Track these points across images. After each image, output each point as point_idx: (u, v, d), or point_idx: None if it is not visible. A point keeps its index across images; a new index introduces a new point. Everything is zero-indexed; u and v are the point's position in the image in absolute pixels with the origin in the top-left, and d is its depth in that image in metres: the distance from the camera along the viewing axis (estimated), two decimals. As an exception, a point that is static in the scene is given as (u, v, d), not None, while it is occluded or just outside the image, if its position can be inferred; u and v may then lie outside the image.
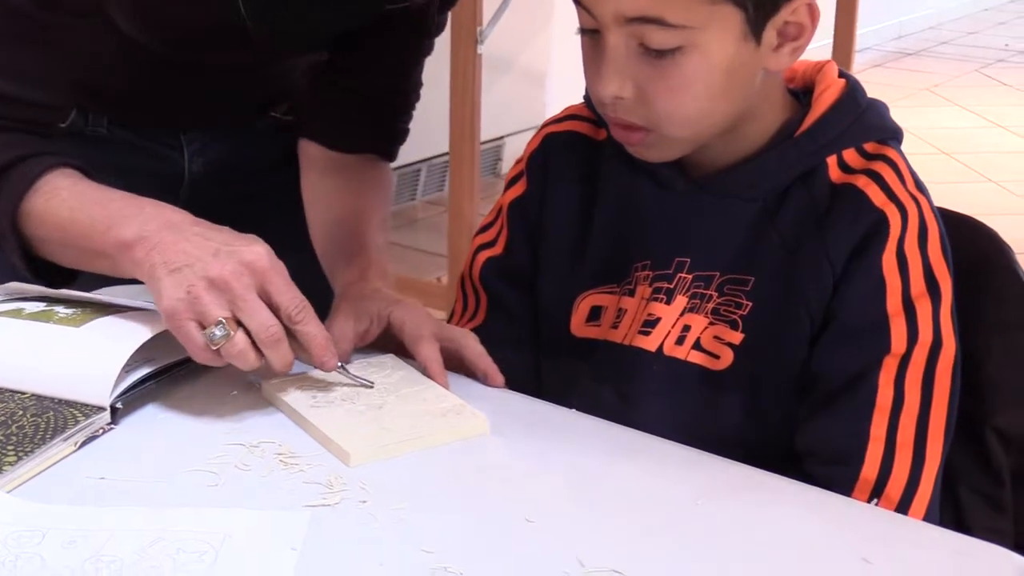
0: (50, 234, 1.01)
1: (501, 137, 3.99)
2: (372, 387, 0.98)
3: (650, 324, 1.04)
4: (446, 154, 3.02)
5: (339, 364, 0.97)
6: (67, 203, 1.00)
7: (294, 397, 0.96)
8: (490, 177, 3.98)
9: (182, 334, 0.92)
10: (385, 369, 1.03)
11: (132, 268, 0.94)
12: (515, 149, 4.04)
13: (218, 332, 0.91)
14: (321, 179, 1.25)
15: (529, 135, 1.17)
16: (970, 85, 5.54)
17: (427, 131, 1.30)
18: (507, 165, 4.08)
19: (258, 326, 0.91)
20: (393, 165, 1.32)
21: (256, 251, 0.92)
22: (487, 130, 2.89)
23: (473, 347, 1.04)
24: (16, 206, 1.01)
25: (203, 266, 0.91)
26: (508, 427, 0.96)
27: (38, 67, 1.06)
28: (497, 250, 1.17)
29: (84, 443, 0.90)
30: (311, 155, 1.26)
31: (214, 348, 0.91)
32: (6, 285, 1.10)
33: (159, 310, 0.93)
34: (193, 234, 0.93)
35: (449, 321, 1.19)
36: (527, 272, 1.14)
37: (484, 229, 1.19)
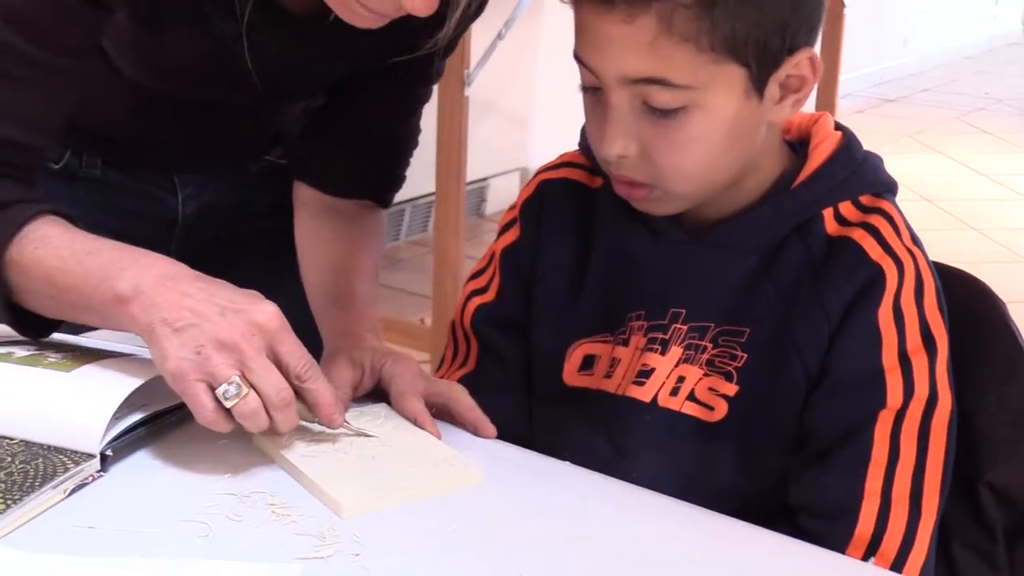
0: (35, 285, 0.97)
1: (485, 178, 4.01)
2: (375, 438, 0.98)
3: (644, 374, 1.04)
4: (431, 194, 3.03)
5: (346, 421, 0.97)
6: (57, 252, 0.96)
7: (286, 447, 0.96)
8: (474, 218, 3.99)
9: (190, 396, 0.89)
10: (378, 419, 1.02)
11: (128, 323, 0.92)
12: (499, 190, 4.06)
13: (232, 390, 0.89)
14: (314, 222, 1.25)
15: (513, 177, 1.18)
16: (951, 132, 5.60)
17: (411, 171, 1.30)
18: (491, 206, 4.09)
19: (271, 389, 0.90)
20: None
21: (266, 311, 0.91)
22: (471, 171, 2.90)
23: (462, 399, 1.04)
24: (1, 254, 0.97)
25: (212, 327, 0.89)
26: (501, 477, 0.95)
27: (29, 107, 1.03)
28: (489, 296, 1.16)
29: (73, 491, 0.89)
30: (305, 197, 1.26)
31: (227, 407, 0.89)
32: None
33: (162, 370, 0.90)
34: (197, 290, 0.92)
35: (440, 367, 1.19)
36: (519, 319, 1.14)
37: (476, 275, 1.19)
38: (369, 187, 1.26)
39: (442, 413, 1.04)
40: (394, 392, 1.04)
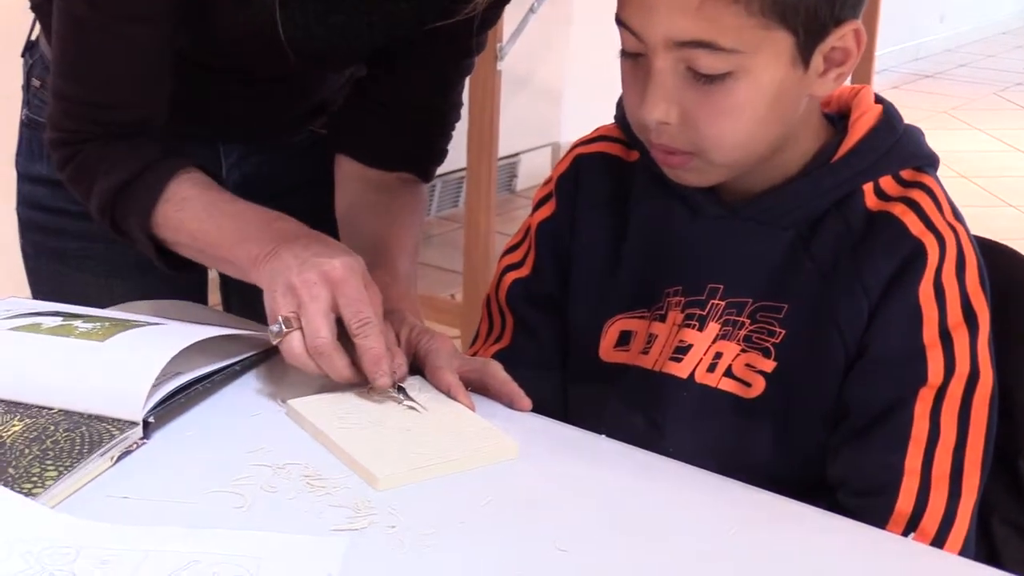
0: (180, 239, 1.09)
1: (516, 154, 4.00)
2: (414, 411, 0.99)
3: (681, 350, 1.04)
4: (461, 170, 3.02)
5: (396, 384, 1.00)
6: (197, 215, 1.08)
7: (320, 417, 0.96)
8: (505, 193, 3.99)
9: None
10: (412, 391, 1.03)
11: (257, 278, 1.02)
12: (530, 165, 4.05)
13: (274, 328, 0.98)
14: (355, 196, 1.25)
15: (544, 152, 1.18)
16: (988, 108, 5.55)
17: (444, 146, 1.29)
18: (522, 182, 4.08)
19: (309, 334, 0.97)
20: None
21: (334, 263, 0.98)
22: (503, 146, 2.90)
23: (497, 374, 1.04)
24: (148, 217, 1.09)
25: (287, 274, 0.98)
26: (537, 452, 0.96)
27: (119, 72, 1.09)
28: (524, 272, 1.16)
29: (119, 458, 0.90)
30: (346, 171, 1.26)
31: (275, 341, 0.98)
32: (5, 300, 1.11)
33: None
34: (301, 247, 1.00)
35: (473, 342, 1.19)
36: (555, 294, 1.14)
37: (511, 250, 1.19)
38: (410, 160, 1.26)
39: (477, 388, 1.04)
40: (429, 366, 1.04)
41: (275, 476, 0.89)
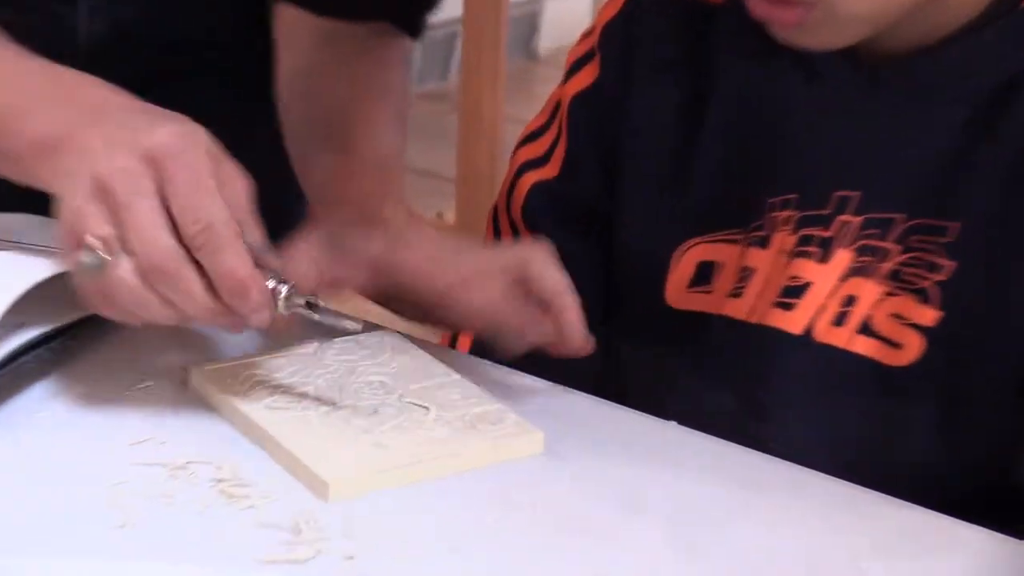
0: None
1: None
2: (359, 330, 0.98)
3: (794, 292, 1.05)
4: (455, 21, 3.01)
5: (293, 299, 0.94)
6: None
7: (241, 395, 0.97)
8: (520, 58, 3.97)
9: (70, 272, 0.93)
10: (382, 352, 1.03)
11: (43, 177, 0.96)
12: (558, 16, 4.04)
13: (85, 259, 0.90)
14: (305, 60, 1.26)
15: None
16: None
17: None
18: (546, 40, 4.07)
19: (142, 251, 0.90)
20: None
21: (162, 130, 0.92)
22: (516, -12, 2.90)
23: (547, 272, 1.02)
24: None
25: (91, 164, 0.91)
26: (570, 444, 0.96)
27: None
28: (551, 171, 1.17)
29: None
30: (291, 25, 1.26)
31: (85, 284, 0.91)
32: None
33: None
34: (115, 125, 0.93)
35: None
36: (596, 205, 1.15)
37: (531, 138, 1.19)
38: (385, 4, 1.26)
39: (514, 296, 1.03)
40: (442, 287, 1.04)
41: (172, 481, 0.89)
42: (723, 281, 1.08)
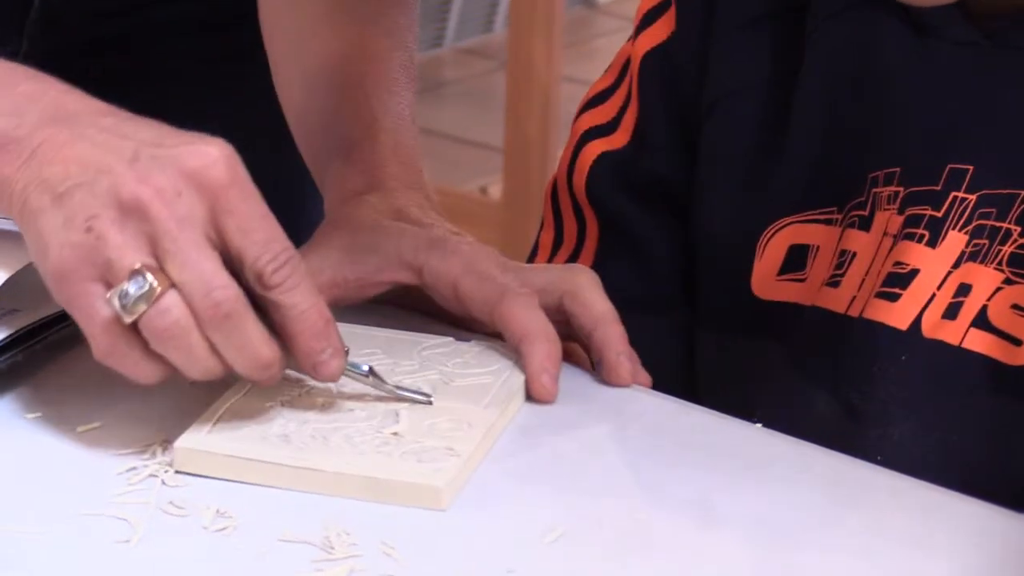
0: None
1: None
2: (430, 403, 0.96)
3: (899, 281, 1.02)
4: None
5: (353, 365, 0.93)
6: None
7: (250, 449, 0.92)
8: (579, 7, 3.92)
9: (78, 307, 0.86)
10: (365, 347, 0.99)
11: (13, 204, 0.89)
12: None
13: (132, 289, 0.84)
14: (292, 6, 1.23)
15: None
16: None
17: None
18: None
19: (197, 284, 0.85)
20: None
21: (207, 153, 0.87)
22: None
23: (592, 299, 1.00)
24: None
25: (112, 181, 0.85)
26: (635, 447, 0.96)
27: None
28: (619, 140, 1.15)
29: None
30: None
31: (127, 320, 0.85)
32: None
33: (42, 270, 0.88)
34: (101, 130, 0.88)
35: (529, 262, 1.20)
36: (672, 179, 1.14)
37: (595, 102, 1.18)
38: None
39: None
40: (477, 306, 1.01)
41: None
42: (818, 267, 1.07)
